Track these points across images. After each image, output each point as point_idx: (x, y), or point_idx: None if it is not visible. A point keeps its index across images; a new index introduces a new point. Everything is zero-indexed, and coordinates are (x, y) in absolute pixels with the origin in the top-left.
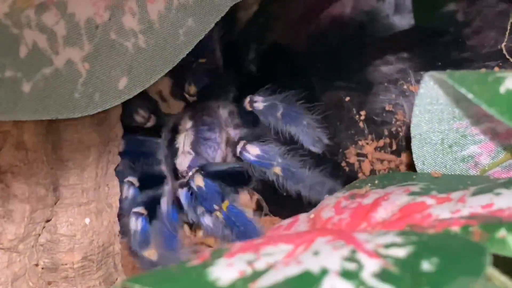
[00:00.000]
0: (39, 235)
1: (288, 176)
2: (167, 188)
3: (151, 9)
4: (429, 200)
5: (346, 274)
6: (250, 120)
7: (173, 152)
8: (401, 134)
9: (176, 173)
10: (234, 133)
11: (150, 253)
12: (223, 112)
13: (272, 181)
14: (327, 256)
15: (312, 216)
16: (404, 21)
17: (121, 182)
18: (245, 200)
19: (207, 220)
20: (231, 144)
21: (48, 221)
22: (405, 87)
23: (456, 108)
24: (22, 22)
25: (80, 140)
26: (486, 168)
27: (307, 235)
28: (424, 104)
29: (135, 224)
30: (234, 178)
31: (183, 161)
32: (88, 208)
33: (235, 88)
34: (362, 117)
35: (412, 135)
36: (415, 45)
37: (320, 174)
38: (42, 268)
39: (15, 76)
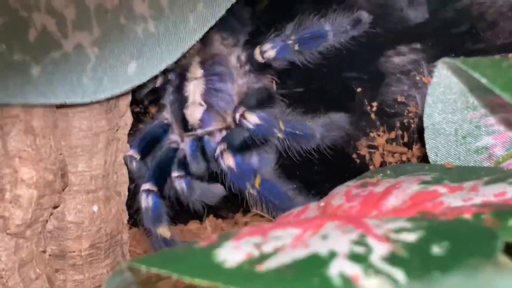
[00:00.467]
0: (47, 221)
1: (293, 138)
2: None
3: None
4: (441, 189)
5: (355, 257)
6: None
7: (181, 100)
8: (413, 126)
9: (185, 124)
10: (242, 82)
11: (164, 231)
12: (234, 60)
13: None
14: (335, 240)
15: (322, 204)
16: (418, 14)
17: None
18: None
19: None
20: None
21: (56, 207)
22: (417, 78)
23: (470, 98)
24: (31, 5)
25: (89, 127)
26: (501, 160)
27: (316, 220)
28: (438, 93)
29: (146, 201)
30: (255, 144)
31: (194, 113)
32: (96, 195)
33: (247, 32)
34: (374, 109)
35: (425, 125)
36: (429, 36)
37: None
38: (50, 255)
39: (23, 59)
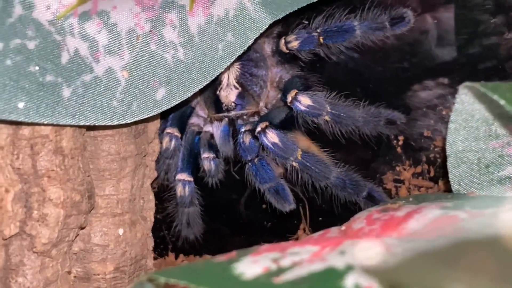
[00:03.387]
0: (73, 241)
1: (338, 121)
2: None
3: (192, 22)
4: (462, 214)
5: (371, 271)
6: (288, 59)
7: (215, 82)
8: (439, 160)
9: (217, 106)
10: (275, 70)
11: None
12: (267, 48)
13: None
14: (353, 255)
15: (343, 228)
16: (446, 53)
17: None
18: (306, 143)
19: (246, 139)
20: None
21: (82, 228)
22: (444, 113)
23: (493, 126)
24: (65, 29)
25: (118, 151)
26: None
27: (335, 239)
28: (460, 120)
29: (183, 190)
30: (293, 122)
31: (228, 94)
32: (122, 219)
33: (280, 24)
34: (400, 143)
35: (447, 153)
36: (455, 71)
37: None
38: (75, 277)
39: (55, 81)
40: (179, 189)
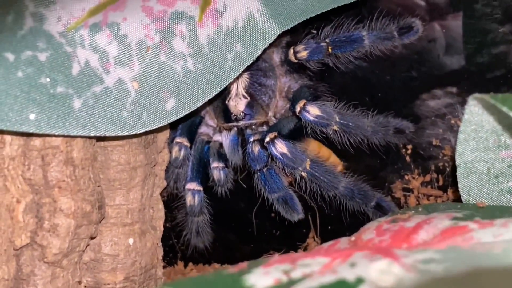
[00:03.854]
0: (83, 251)
1: (346, 130)
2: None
3: (201, 33)
4: (471, 225)
5: (382, 284)
6: (297, 68)
7: (223, 92)
8: (448, 169)
9: (227, 114)
10: (284, 80)
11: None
12: (276, 58)
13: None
14: (363, 268)
15: (353, 238)
16: (454, 61)
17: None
18: (316, 146)
19: (255, 149)
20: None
21: (92, 238)
22: (453, 122)
23: (502, 137)
24: (76, 41)
25: (127, 161)
26: None
27: (345, 250)
28: (469, 130)
29: (193, 199)
30: (301, 132)
31: (237, 104)
32: (132, 228)
33: (289, 34)
34: (409, 151)
35: (457, 163)
36: (464, 80)
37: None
38: (85, 286)
39: (66, 92)
40: (188, 199)
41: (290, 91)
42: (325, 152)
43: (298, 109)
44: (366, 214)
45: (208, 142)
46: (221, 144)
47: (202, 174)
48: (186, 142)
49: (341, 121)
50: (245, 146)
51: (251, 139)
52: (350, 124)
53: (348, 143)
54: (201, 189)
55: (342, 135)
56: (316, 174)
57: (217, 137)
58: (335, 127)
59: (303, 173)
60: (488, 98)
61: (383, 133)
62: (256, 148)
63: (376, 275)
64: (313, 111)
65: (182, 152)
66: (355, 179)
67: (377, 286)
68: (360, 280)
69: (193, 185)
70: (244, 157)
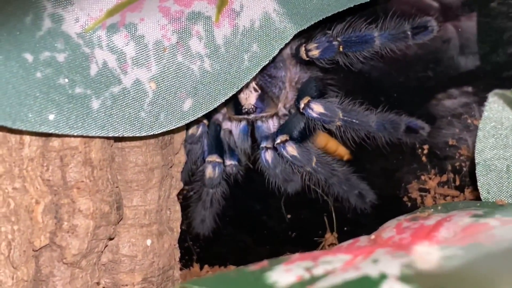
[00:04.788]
0: (102, 252)
1: (350, 127)
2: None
3: (218, 33)
4: (493, 222)
5: (405, 279)
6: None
7: None
8: (465, 169)
9: (237, 106)
10: (294, 71)
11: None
12: (286, 49)
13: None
14: (386, 264)
15: (372, 237)
16: (469, 62)
17: None
18: (325, 138)
19: (267, 156)
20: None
21: (111, 239)
22: (469, 121)
23: None
24: (93, 42)
25: (145, 162)
26: None
27: (367, 247)
28: (489, 128)
29: (213, 172)
30: (310, 129)
31: (248, 97)
32: (150, 229)
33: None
34: (425, 151)
35: (476, 161)
36: (480, 79)
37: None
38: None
39: (85, 93)
40: (208, 171)
41: (300, 81)
42: (332, 144)
43: (302, 105)
44: (384, 214)
45: (220, 125)
46: (230, 132)
47: (220, 149)
48: (205, 120)
49: (345, 118)
50: (254, 136)
51: (263, 145)
52: (354, 120)
53: (352, 139)
54: (222, 161)
55: (346, 131)
56: (319, 169)
57: (226, 125)
58: (339, 123)
59: (308, 168)
60: (510, 94)
61: (391, 130)
62: (269, 157)
63: (399, 271)
64: (316, 109)
65: (200, 129)
66: (356, 176)
67: (420, 270)
68: (383, 276)
69: (213, 157)
70: (252, 143)
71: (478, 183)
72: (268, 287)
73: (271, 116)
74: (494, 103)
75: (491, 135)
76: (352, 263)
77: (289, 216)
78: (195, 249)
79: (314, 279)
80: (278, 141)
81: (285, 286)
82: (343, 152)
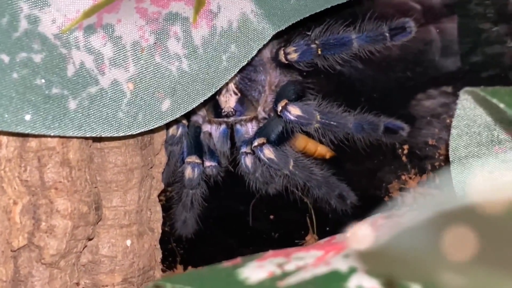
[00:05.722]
0: (81, 253)
1: (328, 129)
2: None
3: (195, 34)
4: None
5: (374, 273)
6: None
7: None
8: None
9: (217, 109)
10: (274, 74)
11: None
12: (266, 52)
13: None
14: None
15: (348, 234)
16: (450, 63)
17: None
18: (304, 141)
19: (247, 161)
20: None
21: (90, 240)
22: (448, 121)
23: (495, 131)
24: (70, 42)
25: (124, 163)
26: None
27: (339, 244)
28: (462, 126)
29: (192, 173)
30: (289, 132)
31: (228, 100)
32: (129, 230)
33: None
34: (405, 152)
35: (451, 159)
36: (459, 80)
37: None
38: None
39: (61, 93)
40: (188, 171)
41: (279, 85)
42: (312, 145)
43: (279, 108)
44: (363, 215)
45: (199, 127)
46: (210, 134)
47: (200, 150)
48: (184, 121)
49: (323, 120)
50: (233, 139)
51: (243, 150)
52: (332, 122)
53: (331, 141)
54: (201, 162)
55: (324, 133)
56: (297, 172)
57: (206, 127)
58: (317, 126)
59: (286, 172)
60: (479, 91)
61: (370, 131)
62: (249, 161)
63: (353, 239)
64: (294, 111)
65: (180, 130)
66: (330, 175)
67: (357, 252)
68: (353, 270)
69: (192, 158)
70: (232, 146)
71: (453, 182)
72: (239, 283)
73: (251, 120)
74: (466, 101)
75: (465, 133)
76: (323, 258)
77: (272, 217)
78: (179, 250)
79: (285, 275)
80: (255, 144)
81: (256, 282)
82: (324, 151)
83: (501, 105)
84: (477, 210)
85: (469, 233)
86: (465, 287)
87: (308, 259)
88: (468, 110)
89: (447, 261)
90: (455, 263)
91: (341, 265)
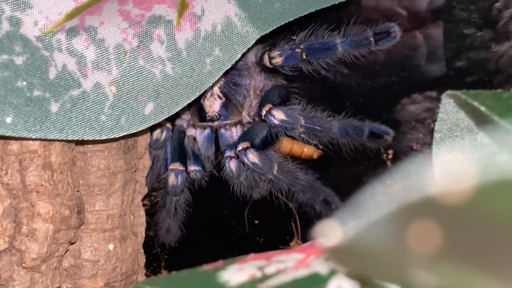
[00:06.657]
0: (62, 256)
1: (312, 133)
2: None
3: (179, 37)
4: None
5: (354, 276)
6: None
7: None
8: None
9: (201, 113)
10: (259, 78)
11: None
12: (251, 57)
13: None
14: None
15: (317, 231)
16: (435, 69)
17: None
18: (289, 144)
19: (231, 165)
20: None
21: (72, 243)
22: (432, 126)
23: (478, 135)
24: (53, 45)
25: (107, 167)
26: None
27: (321, 247)
28: (445, 130)
29: (176, 180)
30: (273, 136)
31: (212, 104)
32: (112, 234)
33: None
34: (390, 156)
35: (434, 163)
36: (443, 84)
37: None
38: None
39: (43, 96)
40: (171, 179)
41: (264, 89)
42: (297, 147)
43: (263, 112)
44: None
45: (184, 132)
46: (194, 138)
47: (183, 156)
48: (168, 125)
49: (307, 124)
50: (218, 143)
51: (227, 154)
52: (316, 127)
53: (316, 145)
54: (184, 169)
55: (309, 138)
56: (281, 177)
57: (191, 132)
58: (301, 130)
59: (270, 176)
60: (461, 94)
61: (355, 136)
62: (233, 166)
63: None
64: (278, 116)
65: (164, 134)
66: (313, 177)
67: (328, 249)
68: (333, 273)
69: (175, 165)
70: (216, 150)
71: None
72: (219, 286)
73: (235, 124)
74: (448, 105)
75: (448, 137)
76: (304, 262)
77: (257, 222)
78: (163, 255)
79: (265, 278)
80: (239, 148)
81: (236, 284)
82: (311, 151)
83: (482, 108)
84: (436, 201)
85: (432, 226)
86: (437, 286)
87: (289, 262)
88: (451, 114)
89: (414, 256)
90: (422, 259)
91: (322, 268)
